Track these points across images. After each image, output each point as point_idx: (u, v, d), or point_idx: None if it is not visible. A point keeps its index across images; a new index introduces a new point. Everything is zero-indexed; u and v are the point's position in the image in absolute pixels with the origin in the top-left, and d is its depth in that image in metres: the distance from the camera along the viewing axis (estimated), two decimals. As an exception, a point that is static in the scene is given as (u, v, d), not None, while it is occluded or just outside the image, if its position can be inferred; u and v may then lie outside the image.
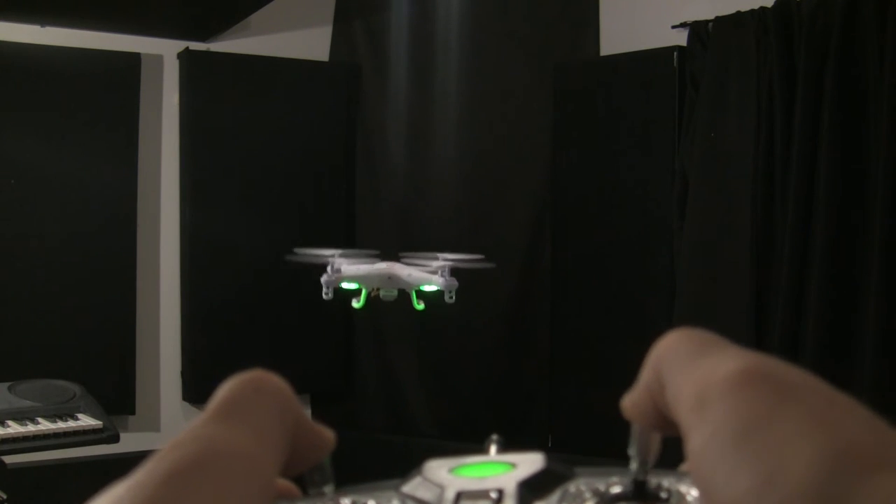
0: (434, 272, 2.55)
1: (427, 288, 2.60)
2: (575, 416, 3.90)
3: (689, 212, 3.51)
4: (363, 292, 2.72)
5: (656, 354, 0.31)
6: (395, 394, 4.55)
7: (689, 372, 0.29)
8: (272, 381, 0.32)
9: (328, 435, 0.33)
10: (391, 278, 2.64)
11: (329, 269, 2.57)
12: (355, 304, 2.75)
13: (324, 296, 2.59)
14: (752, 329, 3.29)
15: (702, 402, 0.28)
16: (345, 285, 2.66)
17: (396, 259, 2.71)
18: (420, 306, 2.70)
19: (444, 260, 2.50)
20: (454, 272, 2.49)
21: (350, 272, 2.62)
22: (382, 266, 2.65)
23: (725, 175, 3.41)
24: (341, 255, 2.61)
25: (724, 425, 0.26)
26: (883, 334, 2.96)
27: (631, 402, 0.32)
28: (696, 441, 0.27)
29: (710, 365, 0.29)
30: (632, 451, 0.32)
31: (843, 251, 3.11)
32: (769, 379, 0.27)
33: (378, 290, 2.70)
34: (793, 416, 0.26)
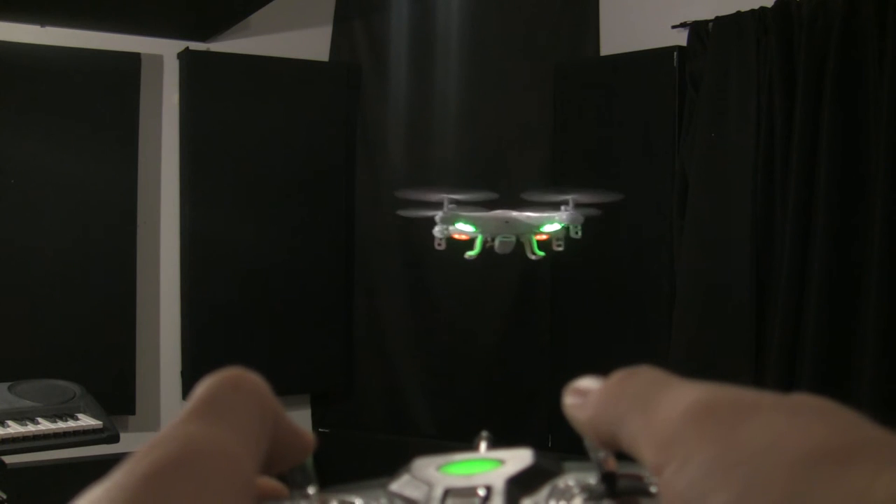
0: (556, 209, 2.36)
1: (549, 227, 2.43)
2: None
3: (689, 212, 3.51)
4: (478, 240, 2.53)
5: (604, 398, 0.31)
6: (395, 393, 4.54)
7: (645, 415, 0.29)
8: (251, 379, 0.31)
9: (308, 436, 0.33)
10: (508, 222, 2.48)
11: (441, 213, 2.36)
12: (469, 253, 2.55)
13: (436, 246, 2.40)
14: (751, 329, 3.28)
15: (665, 443, 0.27)
16: (457, 236, 2.46)
17: (511, 207, 2.51)
18: (540, 253, 2.51)
19: (568, 196, 2.34)
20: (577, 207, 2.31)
21: (466, 216, 2.43)
22: (499, 212, 2.46)
23: (725, 175, 3.41)
24: (450, 202, 2.40)
25: (693, 457, 0.26)
26: (883, 334, 2.96)
27: (573, 414, 0.32)
28: (666, 478, 0.27)
29: (665, 404, 0.28)
30: (588, 446, 0.32)
31: (843, 251, 3.11)
32: (727, 405, 0.27)
33: (493, 239, 2.51)
34: (758, 433, 0.26)
